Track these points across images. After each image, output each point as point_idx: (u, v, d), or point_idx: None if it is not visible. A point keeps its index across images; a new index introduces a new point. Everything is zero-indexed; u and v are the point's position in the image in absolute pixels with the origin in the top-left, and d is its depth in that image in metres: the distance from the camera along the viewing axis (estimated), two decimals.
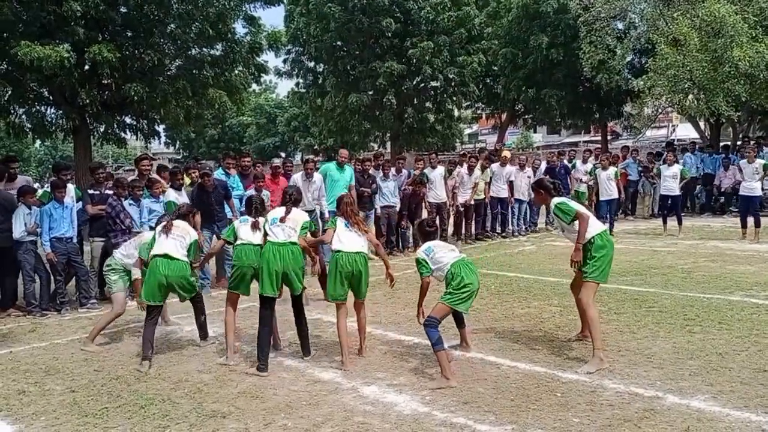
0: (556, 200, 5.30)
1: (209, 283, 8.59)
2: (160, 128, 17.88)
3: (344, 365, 5.14)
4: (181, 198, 8.41)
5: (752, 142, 16.03)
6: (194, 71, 15.23)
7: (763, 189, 12.37)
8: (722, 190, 15.64)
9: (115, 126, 15.92)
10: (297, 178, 9.71)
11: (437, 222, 11.87)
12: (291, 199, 5.54)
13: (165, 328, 6.69)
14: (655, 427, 3.80)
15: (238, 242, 5.56)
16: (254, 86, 22.58)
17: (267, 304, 5.29)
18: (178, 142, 52.01)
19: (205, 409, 4.37)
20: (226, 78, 15.84)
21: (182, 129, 21.23)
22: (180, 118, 15.62)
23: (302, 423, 4.08)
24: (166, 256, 5.57)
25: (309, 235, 5.51)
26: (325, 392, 4.64)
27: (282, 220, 5.34)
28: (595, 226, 5.15)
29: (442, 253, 5.02)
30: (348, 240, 5.30)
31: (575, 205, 5.23)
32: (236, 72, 16.22)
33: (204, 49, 15.75)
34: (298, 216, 5.46)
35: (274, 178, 9.68)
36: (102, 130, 15.91)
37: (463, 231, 12.65)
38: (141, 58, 14.36)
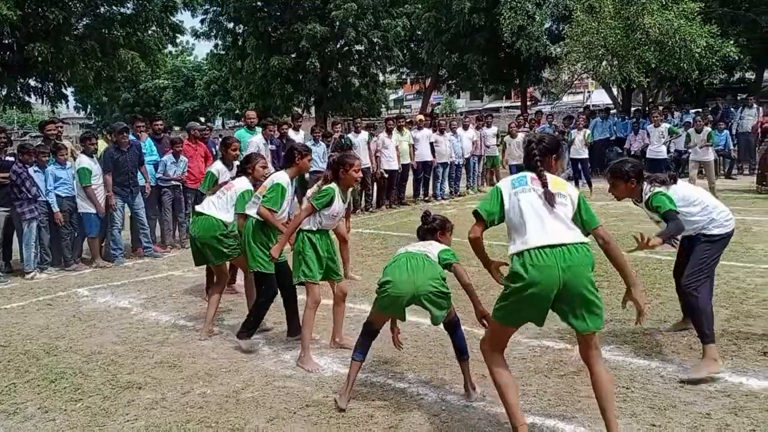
0: (654, 191, 4.16)
1: (122, 254, 8.31)
2: (68, 91, 17.02)
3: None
4: (95, 165, 8.04)
5: (661, 108, 16.85)
6: (103, 30, 14.51)
7: (668, 152, 13.08)
8: (632, 152, 16.40)
9: (18, 89, 15.00)
10: None
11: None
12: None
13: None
14: (563, 378, 4.00)
15: None
16: (170, 47, 21.73)
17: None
18: (89, 107, 49.40)
19: (120, 381, 4.26)
20: (138, 38, 15.18)
21: (92, 92, 20.15)
22: (89, 80, 14.89)
23: (222, 390, 4.05)
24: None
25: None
26: (245, 359, 4.61)
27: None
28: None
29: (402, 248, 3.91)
30: None
31: (672, 200, 4.12)
32: (149, 32, 15.54)
33: (113, 7, 15.03)
34: (237, 185, 5.38)
35: (193, 143, 9.36)
36: (4, 93, 14.94)
37: (389, 196, 12.72)
38: (45, 17, 13.50)
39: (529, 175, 3.23)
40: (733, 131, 15.33)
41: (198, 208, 5.46)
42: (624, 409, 3.51)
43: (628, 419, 3.41)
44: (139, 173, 8.47)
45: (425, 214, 4.06)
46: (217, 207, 5.30)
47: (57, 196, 7.83)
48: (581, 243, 3.03)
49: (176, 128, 35.50)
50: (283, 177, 4.72)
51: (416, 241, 3.96)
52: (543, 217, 3.08)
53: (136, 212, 8.48)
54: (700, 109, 17.34)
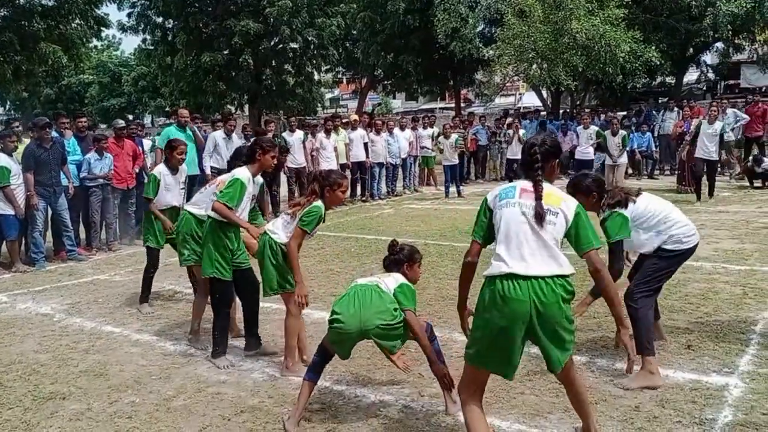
0: (611, 212, 3.92)
1: (43, 257, 7.90)
2: None
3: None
4: (14, 164, 7.62)
5: (588, 110, 17.46)
6: (23, 22, 13.80)
7: (596, 153, 13.55)
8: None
9: None
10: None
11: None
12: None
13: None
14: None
15: None
16: (95, 41, 20.90)
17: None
18: (8, 102, 46.88)
19: (42, 392, 4.04)
20: (60, 31, 14.53)
21: (11, 87, 19.05)
22: (7, 74, 14.17)
23: (152, 398, 3.90)
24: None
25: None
26: (177, 365, 4.46)
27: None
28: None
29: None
30: None
31: (626, 225, 3.86)
32: (73, 25, 14.89)
33: None
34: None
35: (118, 141, 9.01)
36: None
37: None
38: None
39: (519, 186, 2.85)
40: (656, 133, 16.03)
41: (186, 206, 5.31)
42: (557, 404, 3.59)
43: (561, 414, 3.48)
44: (61, 173, 8.08)
45: (392, 243, 3.71)
46: (194, 201, 5.10)
47: None
48: (561, 276, 2.70)
49: (102, 126, 34.10)
50: (243, 173, 4.36)
51: (376, 269, 3.67)
52: (524, 240, 2.72)
53: (59, 213, 8.07)
54: (625, 113, 18.07)
